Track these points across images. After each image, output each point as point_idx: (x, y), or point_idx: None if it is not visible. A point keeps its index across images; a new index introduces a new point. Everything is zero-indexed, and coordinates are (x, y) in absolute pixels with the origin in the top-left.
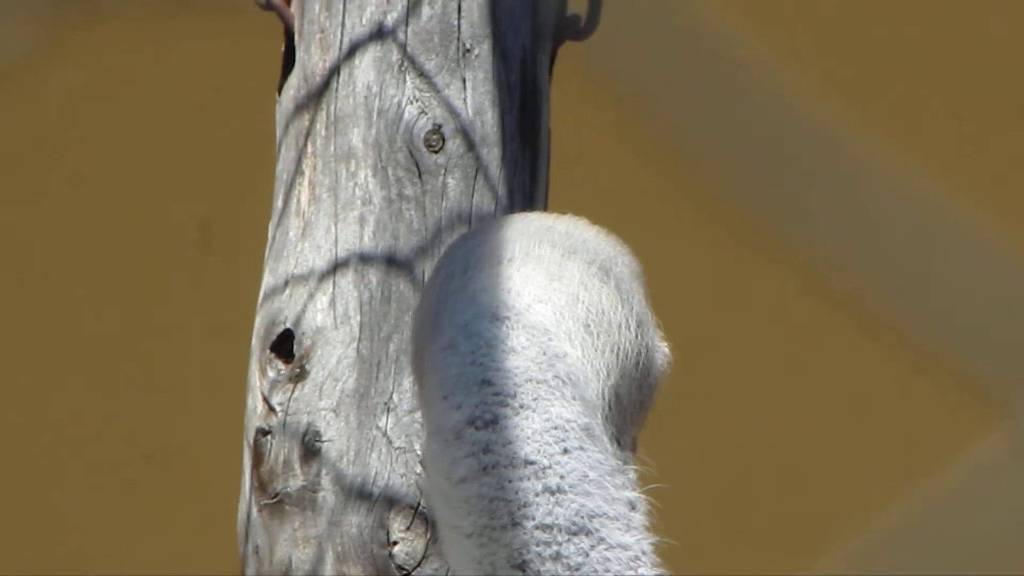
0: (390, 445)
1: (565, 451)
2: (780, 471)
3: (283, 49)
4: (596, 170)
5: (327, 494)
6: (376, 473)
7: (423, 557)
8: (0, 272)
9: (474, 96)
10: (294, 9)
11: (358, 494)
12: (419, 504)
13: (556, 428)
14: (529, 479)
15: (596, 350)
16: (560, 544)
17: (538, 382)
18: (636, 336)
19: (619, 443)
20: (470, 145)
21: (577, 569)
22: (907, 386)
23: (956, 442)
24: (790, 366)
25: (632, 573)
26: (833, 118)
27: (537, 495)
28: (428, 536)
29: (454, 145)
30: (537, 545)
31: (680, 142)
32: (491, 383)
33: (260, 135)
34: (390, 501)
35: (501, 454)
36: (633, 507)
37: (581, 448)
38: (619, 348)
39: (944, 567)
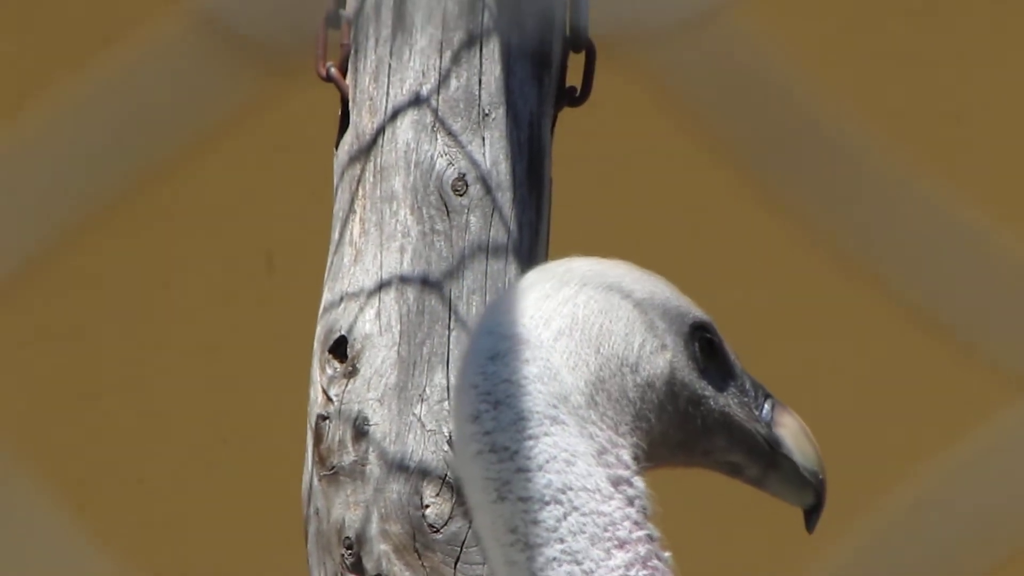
0: (423, 428)
1: (531, 437)
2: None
3: (340, 113)
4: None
5: (373, 467)
6: (412, 450)
7: (449, 517)
8: (114, 292)
9: (491, 151)
10: (348, 81)
11: (398, 467)
12: (447, 475)
13: (524, 419)
14: (505, 461)
15: (575, 351)
16: (537, 512)
17: (510, 381)
18: (621, 341)
19: (629, 433)
20: (488, 190)
21: (554, 531)
22: (930, 359)
23: (978, 415)
24: (819, 339)
25: (610, 533)
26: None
27: (512, 473)
28: (453, 500)
29: (475, 190)
30: (520, 513)
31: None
32: (476, 385)
33: (319, 183)
34: (423, 473)
35: (483, 442)
36: (620, 481)
37: (548, 434)
38: (601, 350)
39: (966, 537)
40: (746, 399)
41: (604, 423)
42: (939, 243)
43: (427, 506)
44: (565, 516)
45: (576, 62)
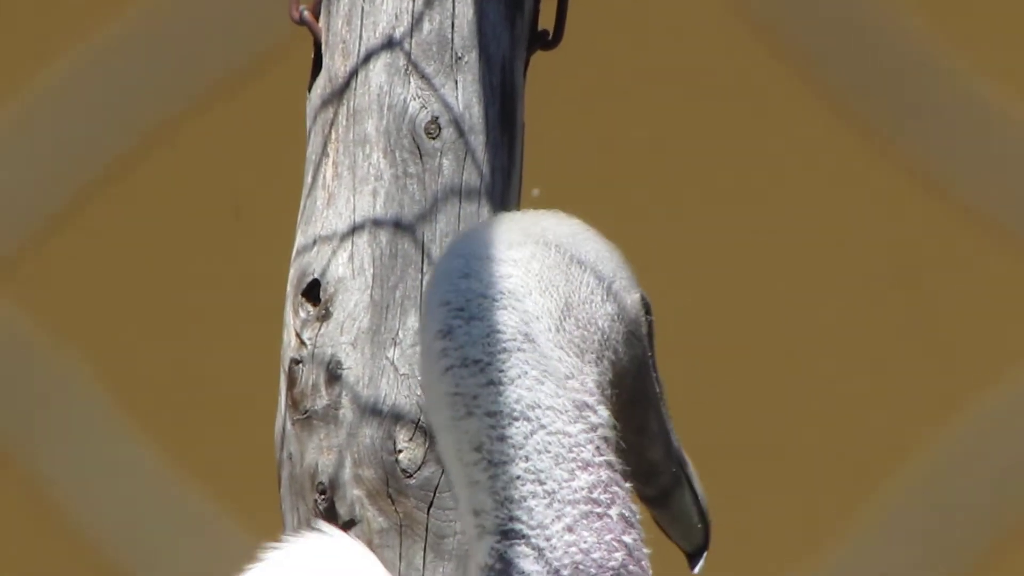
0: (396, 372)
1: (504, 350)
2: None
3: (312, 56)
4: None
5: (346, 411)
6: (385, 395)
7: (422, 462)
8: (92, 241)
9: (464, 94)
10: (321, 24)
11: (371, 411)
12: (419, 420)
13: (498, 332)
14: (475, 375)
15: (547, 274)
16: (504, 427)
17: (484, 296)
18: (592, 271)
19: (593, 363)
20: (461, 133)
21: (520, 448)
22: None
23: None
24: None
25: (574, 454)
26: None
27: (481, 387)
28: (427, 446)
29: (448, 133)
30: (487, 429)
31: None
32: (448, 302)
33: (291, 125)
34: (396, 417)
35: (454, 357)
36: (584, 406)
37: (520, 349)
38: (572, 276)
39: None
40: (664, 407)
41: (571, 349)
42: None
43: (400, 451)
44: (532, 433)
45: (548, 5)
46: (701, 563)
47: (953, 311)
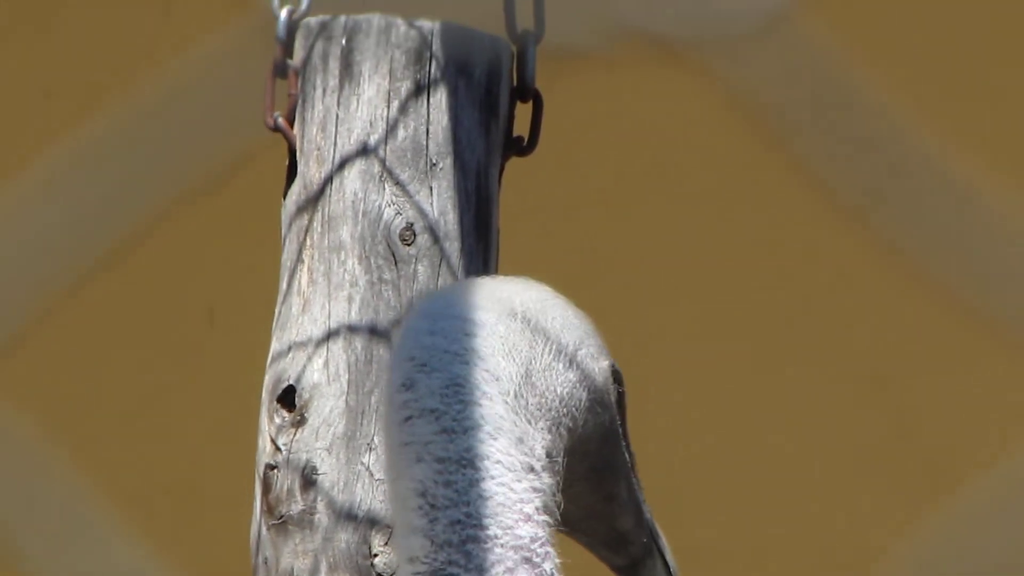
0: (372, 477)
1: (461, 402)
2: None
3: (287, 163)
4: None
5: (322, 516)
6: (361, 500)
7: (398, 566)
8: (55, 342)
9: (439, 201)
10: (296, 131)
11: (347, 516)
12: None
13: (457, 384)
14: (430, 423)
15: (511, 337)
16: (451, 473)
17: (447, 351)
18: (557, 337)
19: (546, 430)
20: (436, 239)
21: (464, 494)
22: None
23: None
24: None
25: (518, 507)
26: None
27: (435, 434)
28: None
29: (423, 240)
30: (434, 474)
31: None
32: (413, 357)
33: (267, 231)
34: (372, 522)
35: (414, 408)
36: (531, 469)
37: (477, 404)
38: (535, 343)
39: None
40: (634, 476)
41: (524, 414)
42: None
43: (375, 555)
44: (478, 482)
45: (523, 112)
46: None
47: (925, 397)
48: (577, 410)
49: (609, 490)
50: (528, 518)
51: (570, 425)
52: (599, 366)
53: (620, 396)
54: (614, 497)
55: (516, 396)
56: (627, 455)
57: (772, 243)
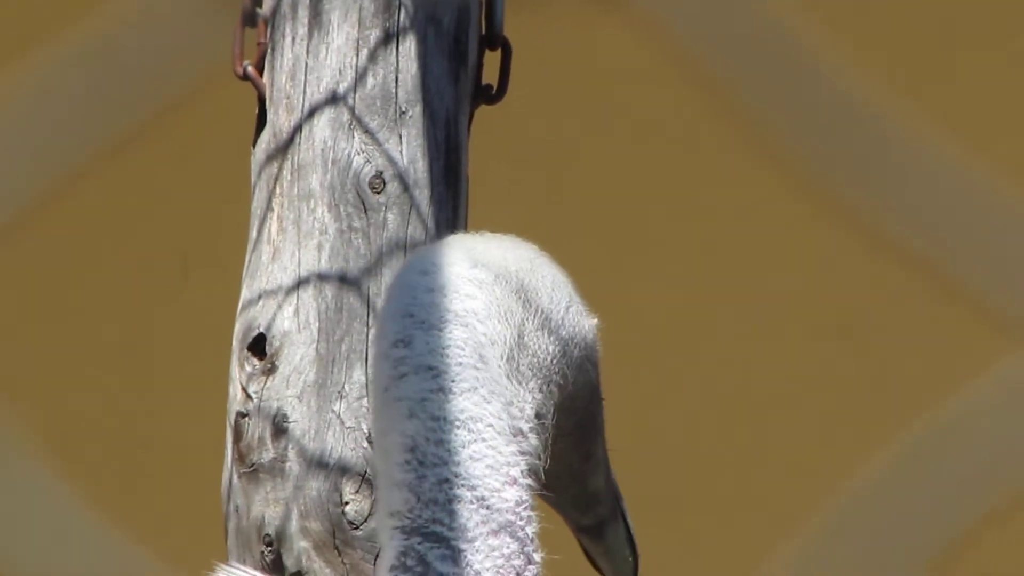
0: (342, 425)
1: (460, 364)
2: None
3: (257, 111)
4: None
5: (293, 464)
6: (331, 448)
7: (369, 514)
8: (19, 292)
9: (408, 149)
10: (265, 79)
11: (317, 464)
12: (366, 472)
13: (457, 346)
14: (427, 380)
15: (505, 300)
16: (444, 432)
17: (448, 310)
18: (547, 297)
19: (537, 390)
20: (405, 187)
21: (455, 454)
22: (928, 311)
23: (974, 367)
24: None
25: (505, 470)
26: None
27: (431, 392)
28: (373, 498)
29: (392, 188)
30: (427, 432)
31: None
32: (412, 314)
33: (237, 180)
34: (343, 470)
35: (411, 364)
36: (519, 432)
37: (475, 367)
38: (528, 302)
39: (956, 489)
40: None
41: (516, 376)
42: (943, 192)
43: (347, 503)
44: (470, 443)
45: (492, 60)
46: None
47: (889, 350)
48: (568, 367)
49: (588, 448)
50: (514, 481)
51: (560, 382)
52: (588, 323)
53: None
54: (591, 455)
55: (509, 359)
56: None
57: (735, 196)
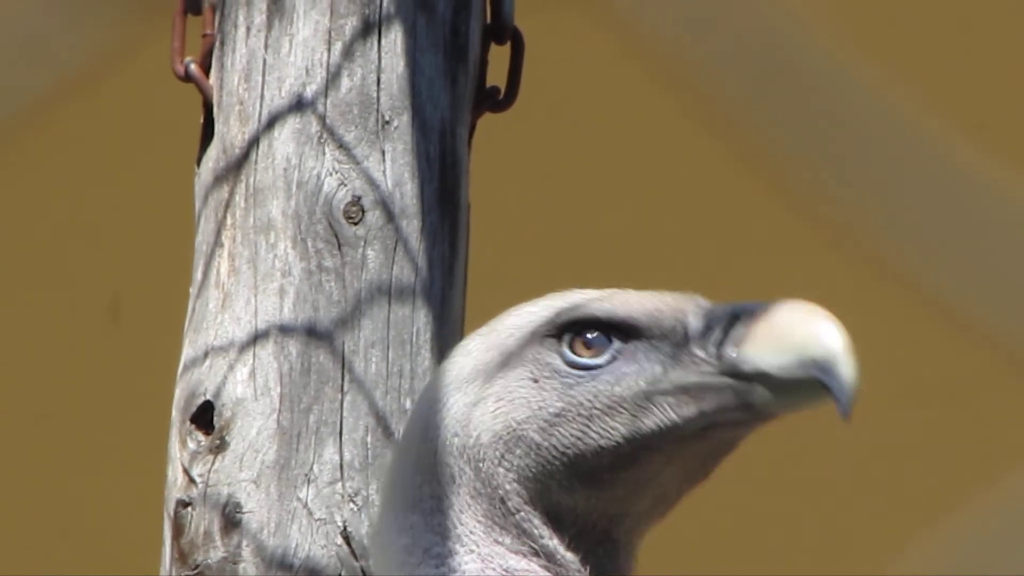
0: (311, 516)
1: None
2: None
3: (202, 121)
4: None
5: (248, 565)
6: (297, 544)
7: None
8: None
9: (393, 168)
10: (213, 81)
11: (279, 565)
12: (340, 574)
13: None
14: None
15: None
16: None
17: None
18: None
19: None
20: (389, 217)
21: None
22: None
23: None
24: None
25: None
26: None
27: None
28: None
29: (373, 217)
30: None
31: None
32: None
33: (177, 207)
34: (311, 572)
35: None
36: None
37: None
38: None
39: None
40: (678, 349)
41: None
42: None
43: None
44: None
45: (500, 55)
46: (847, 404)
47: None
48: (531, 457)
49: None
50: None
51: (547, 482)
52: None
53: (585, 325)
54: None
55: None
56: (640, 367)
57: (740, 217)
